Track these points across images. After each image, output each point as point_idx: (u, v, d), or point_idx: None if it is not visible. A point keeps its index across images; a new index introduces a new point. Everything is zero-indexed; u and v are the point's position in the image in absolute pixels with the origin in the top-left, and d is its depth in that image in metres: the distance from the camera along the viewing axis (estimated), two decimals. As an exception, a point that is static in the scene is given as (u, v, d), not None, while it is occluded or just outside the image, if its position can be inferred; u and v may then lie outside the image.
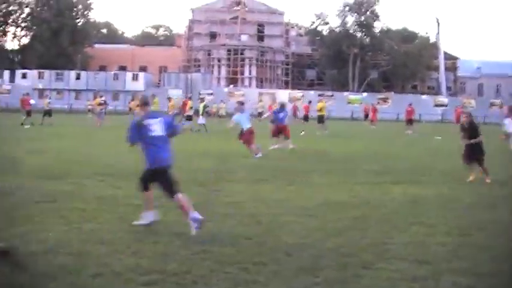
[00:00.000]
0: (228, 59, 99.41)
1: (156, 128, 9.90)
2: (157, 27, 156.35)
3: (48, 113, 42.50)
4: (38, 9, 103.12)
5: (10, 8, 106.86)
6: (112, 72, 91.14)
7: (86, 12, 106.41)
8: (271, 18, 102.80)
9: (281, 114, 26.54)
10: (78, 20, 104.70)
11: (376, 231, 10.03)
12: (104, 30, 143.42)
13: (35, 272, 7.44)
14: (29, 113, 41.11)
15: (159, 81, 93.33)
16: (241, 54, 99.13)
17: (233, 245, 8.84)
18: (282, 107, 27.37)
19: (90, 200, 12.25)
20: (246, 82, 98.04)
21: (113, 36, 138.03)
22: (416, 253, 8.70)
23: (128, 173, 16.22)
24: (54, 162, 19.01)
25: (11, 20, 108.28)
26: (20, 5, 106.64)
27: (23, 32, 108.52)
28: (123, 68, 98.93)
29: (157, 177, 9.96)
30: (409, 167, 20.03)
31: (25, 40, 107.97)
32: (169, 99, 44.45)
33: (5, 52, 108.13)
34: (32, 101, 43.75)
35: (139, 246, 8.66)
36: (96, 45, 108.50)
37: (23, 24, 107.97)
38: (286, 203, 12.51)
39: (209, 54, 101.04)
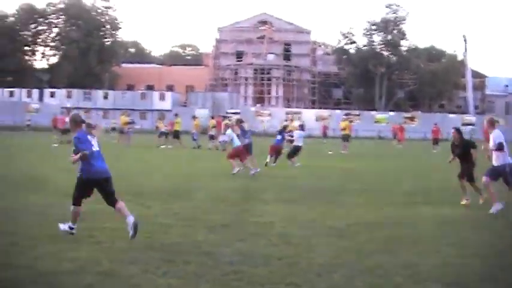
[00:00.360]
0: (255, 78, 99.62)
1: (95, 143, 10.75)
2: (184, 47, 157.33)
3: None
4: (67, 29, 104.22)
5: (39, 28, 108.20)
6: (139, 92, 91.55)
7: (113, 32, 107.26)
8: (298, 37, 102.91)
9: (279, 136, 27.83)
10: (106, 40, 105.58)
11: (407, 253, 9.87)
12: (132, 50, 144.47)
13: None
14: (64, 132, 41.57)
15: (186, 100, 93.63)
16: (268, 73, 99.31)
17: (264, 265, 8.74)
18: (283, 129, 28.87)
19: (119, 219, 12.20)
20: (273, 101, 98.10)
21: (141, 56, 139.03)
22: (448, 275, 8.55)
23: (156, 192, 16.25)
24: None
25: (40, 40, 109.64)
26: (49, 25, 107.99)
27: (52, 52, 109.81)
28: (150, 87, 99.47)
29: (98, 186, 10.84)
30: (439, 187, 19.82)
31: (54, 59, 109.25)
32: (193, 118, 44.55)
33: (33, 71, 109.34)
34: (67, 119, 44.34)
35: (170, 266, 8.58)
36: (124, 65, 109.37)
37: (51, 44, 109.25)
38: (316, 223, 12.40)
39: (236, 74, 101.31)
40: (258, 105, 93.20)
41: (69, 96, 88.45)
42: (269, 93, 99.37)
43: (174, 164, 23.98)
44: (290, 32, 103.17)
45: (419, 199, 16.54)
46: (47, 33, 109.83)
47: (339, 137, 43.50)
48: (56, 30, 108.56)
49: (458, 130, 16.54)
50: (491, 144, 14.48)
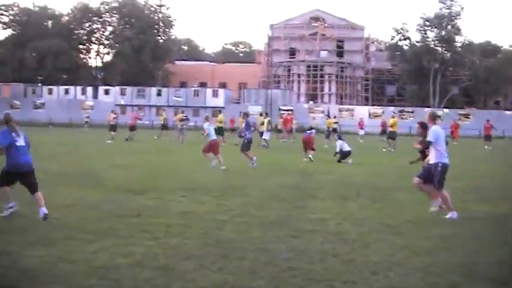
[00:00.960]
0: (308, 75, 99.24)
1: (21, 139, 11.86)
2: (237, 44, 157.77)
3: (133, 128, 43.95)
4: (120, 27, 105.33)
5: (93, 27, 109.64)
6: (192, 89, 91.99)
7: (167, 30, 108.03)
8: (351, 34, 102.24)
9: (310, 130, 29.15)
10: (159, 37, 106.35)
11: (464, 251, 9.73)
12: (185, 47, 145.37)
13: (121, 285, 7.50)
14: (132, 128, 42.93)
15: (239, 97, 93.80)
16: (321, 70, 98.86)
17: (320, 262, 8.72)
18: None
19: (174, 215, 12.31)
20: (326, 98, 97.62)
21: (193, 53, 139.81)
22: (505, 274, 8.44)
23: (210, 189, 16.32)
24: (138, 177, 19.28)
25: (94, 38, 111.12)
26: (103, 23, 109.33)
27: (106, 50, 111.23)
28: (203, 85, 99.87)
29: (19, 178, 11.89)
30: (494, 185, 19.55)
31: (108, 57, 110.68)
32: (244, 114, 44.67)
33: (88, 69, 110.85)
34: (142, 114, 45.57)
35: (225, 262, 8.62)
36: (177, 62, 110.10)
37: (106, 42, 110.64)
38: (371, 220, 12.31)
39: (289, 70, 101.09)
40: (310, 102, 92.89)
41: (123, 93, 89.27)
42: (322, 90, 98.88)
43: (225, 160, 24.01)
44: (343, 28, 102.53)
45: (472, 197, 16.33)
46: (101, 32, 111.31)
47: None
48: (110, 28, 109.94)
49: (423, 124, 14.68)
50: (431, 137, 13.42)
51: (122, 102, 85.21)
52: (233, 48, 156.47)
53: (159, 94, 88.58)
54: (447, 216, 12.72)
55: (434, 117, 13.67)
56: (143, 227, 10.99)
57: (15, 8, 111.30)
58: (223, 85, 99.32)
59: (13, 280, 7.65)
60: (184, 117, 45.99)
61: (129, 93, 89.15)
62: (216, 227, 11.11)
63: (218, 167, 22.39)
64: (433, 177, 13.04)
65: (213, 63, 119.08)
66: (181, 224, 11.35)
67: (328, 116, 56.29)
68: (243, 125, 26.67)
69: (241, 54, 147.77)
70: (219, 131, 41.44)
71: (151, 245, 9.56)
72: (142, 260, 8.62)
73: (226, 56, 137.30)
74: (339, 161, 27.11)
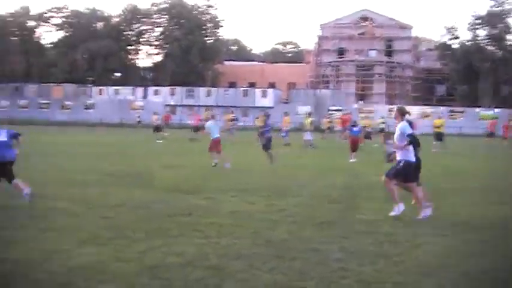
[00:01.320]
0: (357, 75, 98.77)
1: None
2: (285, 44, 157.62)
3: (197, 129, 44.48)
4: (170, 28, 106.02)
5: (142, 28, 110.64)
6: (241, 89, 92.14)
7: (215, 30, 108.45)
8: (400, 33, 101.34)
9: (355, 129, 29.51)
10: (208, 38, 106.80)
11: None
12: (233, 47, 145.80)
13: (172, 285, 7.56)
14: (196, 129, 43.44)
15: (288, 97, 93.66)
16: (370, 70, 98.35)
17: (371, 263, 8.68)
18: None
19: (225, 214, 12.35)
20: (375, 98, 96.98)
21: (242, 53, 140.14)
22: None
23: (260, 189, 16.34)
24: (188, 177, 19.38)
25: (143, 39, 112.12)
26: (152, 24, 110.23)
27: (155, 50, 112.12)
28: (252, 85, 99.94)
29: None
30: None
31: (157, 58, 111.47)
32: (285, 113, 44.95)
33: (138, 70, 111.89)
34: (200, 117, 45.94)
35: (276, 262, 8.62)
36: (226, 62, 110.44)
37: (155, 43, 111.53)
38: (422, 222, 12.18)
39: (338, 70, 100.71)
40: (360, 102, 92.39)
41: (172, 93, 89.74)
42: (371, 90, 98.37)
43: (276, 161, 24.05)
44: (392, 27, 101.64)
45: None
46: (150, 33, 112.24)
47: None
48: (158, 29, 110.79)
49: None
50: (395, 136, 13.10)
51: (172, 103, 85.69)
52: (281, 48, 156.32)
53: (208, 94, 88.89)
54: (391, 213, 12.58)
55: (403, 113, 13.13)
56: (194, 226, 11.06)
57: (65, 11, 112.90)
58: (272, 85, 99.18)
59: (66, 278, 7.76)
60: (233, 118, 46.18)
61: (178, 94, 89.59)
62: (267, 227, 11.13)
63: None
64: (395, 171, 12.75)
65: (261, 63, 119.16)
66: (231, 223, 11.39)
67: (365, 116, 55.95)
68: (263, 124, 27.24)
69: (289, 54, 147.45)
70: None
71: (202, 245, 9.62)
72: (193, 260, 8.67)
73: (274, 56, 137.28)
74: (388, 161, 26.77)
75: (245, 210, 12.98)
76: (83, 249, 9.20)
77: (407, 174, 12.72)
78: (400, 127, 12.74)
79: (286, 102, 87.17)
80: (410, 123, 12.86)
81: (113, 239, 9.87)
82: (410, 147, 12.71)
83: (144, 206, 13.23)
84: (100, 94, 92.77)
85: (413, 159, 12.79)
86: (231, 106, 70.83)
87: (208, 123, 24.49)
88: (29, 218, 11.63)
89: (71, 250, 9.11)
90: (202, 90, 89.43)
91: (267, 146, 25.42)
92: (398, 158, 12.83)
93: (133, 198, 14.46)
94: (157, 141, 40.09)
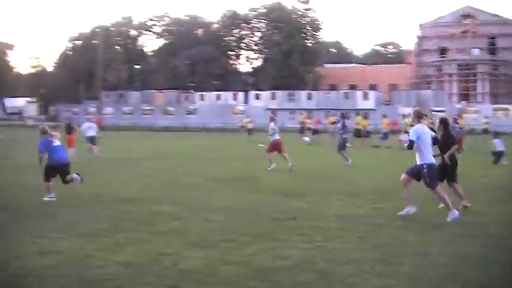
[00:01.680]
0: (459, 75, 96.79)
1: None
2: (385, 45, 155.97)
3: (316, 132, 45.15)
4: (269, 32, 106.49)
5: (242, 33, 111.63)
6: (342, 91, 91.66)
7: (314, 33, 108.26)
8: (504, 30, 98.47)
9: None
10: (307, 41, 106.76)
11: None
12: (333, 50, 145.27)
13: (280, 287, 7.56)
14: (315, 132, 45.69)
15: (389, 99, 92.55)
16: (473, 69, 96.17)
17: (481, 267, 8.48)
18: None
19: (330, 218, 12.28)
20: (479, 98, 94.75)
21: (342, 55, 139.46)
22: None
23: (365, 192, 16.18)
24: (292, 180, 19.41)
25: (243, 44, 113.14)
26: (252, 29, 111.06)
27: (256, 55, 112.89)
28: (352, 87, 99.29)
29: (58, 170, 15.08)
30: None
31: (257, 63, 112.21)
32: (384, 115, 44.76)
33: (238, 75, 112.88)
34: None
35: (384, 266, 8.53)
36: (326, 65, 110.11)
37: (255, 48, 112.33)
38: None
39: (439, 70, 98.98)
40: (463, 102, 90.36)
41: (273, 97, 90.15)
42: (474, 90, 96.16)
43: (375, 163, 23.85)
44: (495, 24, 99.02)
45: None
46: (250, 37, 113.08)
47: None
48: (258, 34, 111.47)
49: (443, 120, 14.41)
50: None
51: (273, 107, 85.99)
52: (382, 49, 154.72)
53: (309, 98, 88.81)
54: (448, 219, 12.06)
55: (420, 116, 12.99)
56: (299, 230, 11.06)
57: (166, 19, 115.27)
58: (373, 87, 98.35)
59: (174, 281, 7.89)
60: (335, 120, 45.97)
61: (279, 98, 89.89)
62: (373, 230, 11.03)
63: (285, 168, 22.55)
64: (424, 180, 12.50)
65: (362, 65, 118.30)
66: (337, 227, 11.33)
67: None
68: (339, 125, 27.29)
69: (390, 55, 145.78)
70: (357, 133, 41.41)
71: (308, 249, 9.60)
72: (300, 263, 8.68)
73: (374, 58, 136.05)
74: (495, 162, 26.09)
75: (350, 213, 12.87)
76: (191, 252, 9.34)
77: (434, 176, 12.54)
78: (415, 130, 12.49)
79: (388, 104, 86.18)
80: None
81: (220, 242, 9.98)
82: (426, 150, 12.43)
83: (250, 209, 13.31)
84: (201, 99, 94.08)
85: (433, 160, 12.57)
86: (332, 109, 70.21)
87: (272, 125, 24.34)
88: (136, 221, 11.89)
89: (178, 253, 9.27)
90: (303, 94, 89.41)
91: (340, 147, 25.61)
92: (418, 162, 12.51)
93: (238, 201, 14.59)
94: (259, 145, 40.27)
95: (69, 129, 28.11)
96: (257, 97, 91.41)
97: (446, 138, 13.82)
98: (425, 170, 12.30)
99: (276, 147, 23.64)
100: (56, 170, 14.98)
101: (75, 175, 15.19)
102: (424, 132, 12.48)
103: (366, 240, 10.22)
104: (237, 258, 8.89)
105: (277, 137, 23.84)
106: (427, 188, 12.58)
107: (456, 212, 12.13)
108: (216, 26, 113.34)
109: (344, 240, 10.21)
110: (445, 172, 13.57)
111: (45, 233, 10.72)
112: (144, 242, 10.07)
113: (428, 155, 12.43)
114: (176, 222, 11.83)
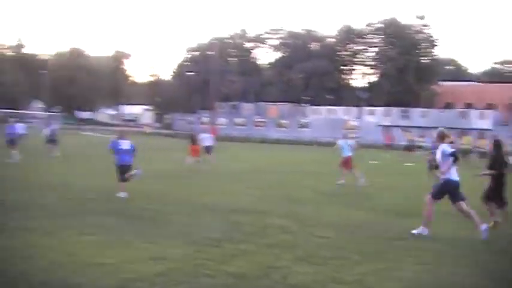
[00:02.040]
0: None
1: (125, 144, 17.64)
2: (504, 63, 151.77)
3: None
4: (385, 47, 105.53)
5: (357, 48, 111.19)
6: (458, 110, 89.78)
7: (430, 50, 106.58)
8: None
9: None
10: (422, 57, 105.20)
11: None
12: (449, 67, 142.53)
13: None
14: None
15: (508, 119, 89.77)
16: None
17: None
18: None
19: (441, 240, 11.98)
20: None
21: (457, 73, 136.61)
22: None
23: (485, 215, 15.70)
24: (404, 198, 19.15)
25: (357, 59, 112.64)
26: (366, 44, 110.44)
27: (370, 71, 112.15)
28: (468, 106, 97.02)
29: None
30: None
31: (373, 78, 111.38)
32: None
33: (351, 90, 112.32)
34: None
35: None
36: (441, 82, 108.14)
37: (369, 63, 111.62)
38: None
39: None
40: None
41: (387, 114, 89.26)
42: None
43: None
44: None
45: None
46: (364, 53, 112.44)
47: None
48: (372, 49, 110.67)
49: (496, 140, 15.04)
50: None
51: (386, 123, 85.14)
52: (501, 67, 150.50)
53: (423, 115, 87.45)
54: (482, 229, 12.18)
55: (442, 136, 13.29)
56: (411, 251, 10.81)
57: (281, 32, 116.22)
58: (490, 106, 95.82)
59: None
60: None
61: (393, 114, 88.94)
62: (491, 258, 10.65)
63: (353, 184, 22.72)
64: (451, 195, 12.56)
65: (479, 83, 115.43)
66: (449, 251, 11.04)
67: None
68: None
69: (510, 74, 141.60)
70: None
71: (420, 271, 9.37)
72: (410, 286, 8.49)
73: (493, 76, 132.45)
74: None
75: (465, 237, 12.51)
76: (300, 267, 9.30)
77: (446, 192, 12.62)
78: (441, 148, 12.80)
79: (506, 125, 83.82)
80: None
81: (330, 259, 9.88)
82: (453, 167, 12.53)
83: (360, 226, 13.20)
84: (315, 113, 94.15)
85: (455, 177, 12.59)
86: (446, 127, 68.88)
87: (340, 141, 24.89)
88: (246, 233, 11.96)
89: (288, 267, 9.26)
90: (416, 111, 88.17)
91: (429, 167, 25.45)
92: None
93: (347, 218, 14.50)
94: (370, 162, 39.98)
95: (194, 140, 29.49)
96: (371, 113, 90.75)
97: (495, 158, 14.31)
98: (441, 182, 12.75)
99: (345, 163, 24.33)
100: (118, 169, 17.40)
101: (135, 171, 17.63)
102: (445, 151, 12.76)
103: (479, 266, 9.91)
104: (347, 277, 8.76)
105: (347, 153, 24.47)
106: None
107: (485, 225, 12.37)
108: (331, 40, 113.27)
109: (456, 265, 9.90)
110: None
111: (158, 240, 10.92)
112: (254, 254, 10.10)
113: (451, 172, 12.64)
114: (286, 236, 11.83)
